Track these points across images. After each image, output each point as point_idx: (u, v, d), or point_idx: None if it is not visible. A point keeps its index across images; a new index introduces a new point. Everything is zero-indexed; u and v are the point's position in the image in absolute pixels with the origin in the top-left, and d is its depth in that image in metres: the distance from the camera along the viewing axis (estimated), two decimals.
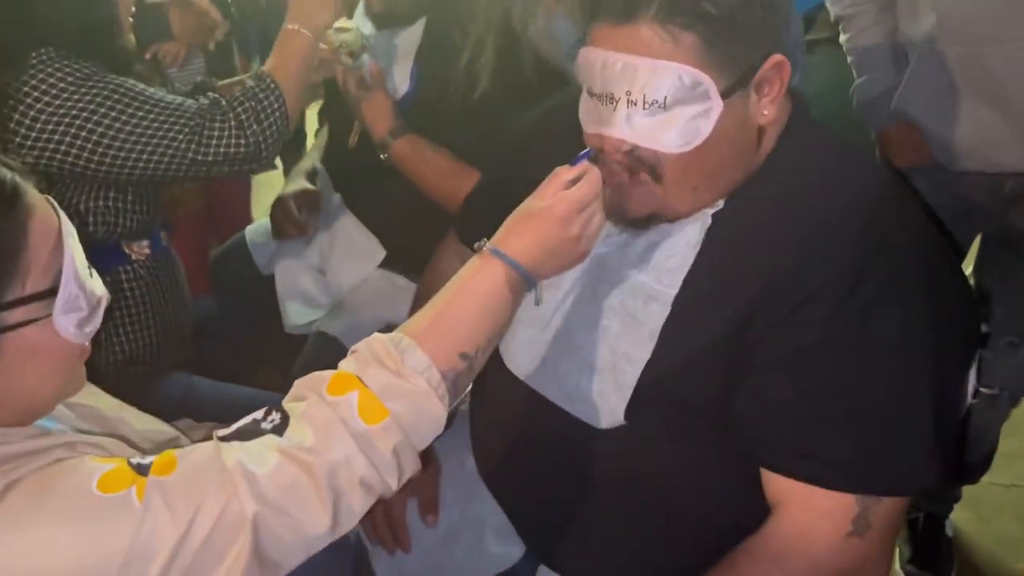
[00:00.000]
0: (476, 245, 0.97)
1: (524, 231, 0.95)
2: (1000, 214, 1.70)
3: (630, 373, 1.02)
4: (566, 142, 1.17)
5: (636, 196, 1.02)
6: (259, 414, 0.84)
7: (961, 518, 2.04)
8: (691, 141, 0.96)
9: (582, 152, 1.01)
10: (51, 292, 0.80)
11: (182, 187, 1.94)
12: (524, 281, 0.94)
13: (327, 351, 1.66)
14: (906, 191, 1.08)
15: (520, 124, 1.33)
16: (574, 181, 0.98)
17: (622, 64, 0.95)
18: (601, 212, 0.98)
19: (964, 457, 1.80)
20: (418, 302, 1.42)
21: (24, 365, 0.80)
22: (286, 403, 0.86)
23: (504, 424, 1.18)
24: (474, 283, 0.93)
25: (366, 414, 0.83)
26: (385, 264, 1.78)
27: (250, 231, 2.04)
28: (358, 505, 0.83)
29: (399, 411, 0.84)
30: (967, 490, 1.99)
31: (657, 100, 0.95)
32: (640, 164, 1.00)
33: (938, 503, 1.98)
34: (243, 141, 1.40)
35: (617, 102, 0.97)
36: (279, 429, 0.82)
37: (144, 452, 0.92)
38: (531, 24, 1.60)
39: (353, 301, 1.76)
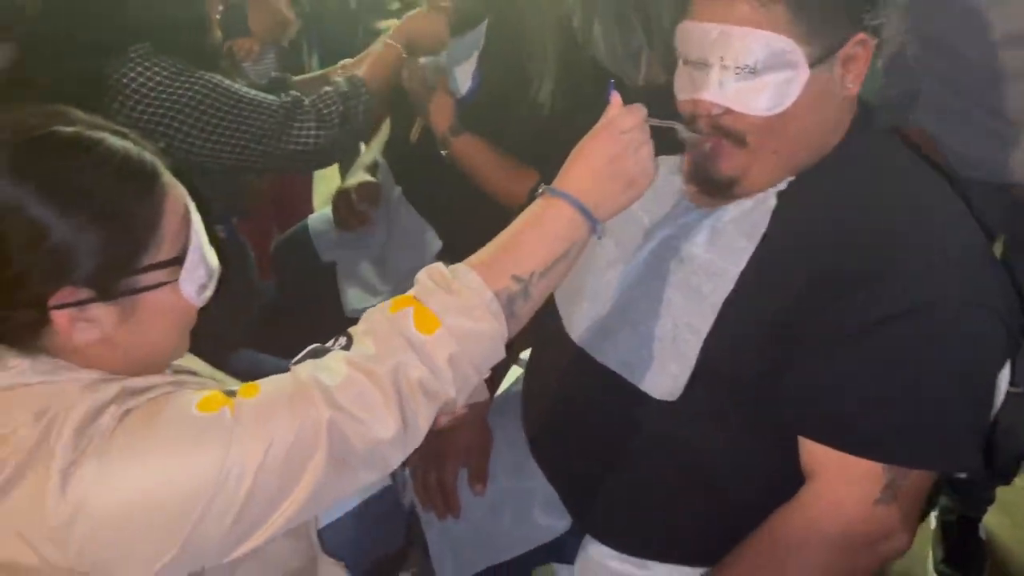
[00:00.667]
0: (537, 192, 1.03)
1: (576, 165, 1.00)
2: (1011, 221, 1.73)
3: (692, 343, 1.09)
4: None
5: (722, 159, 1.09)
6: (329, 341, 0.93)
7: (994, 521, 2.07)
8: (778, 105, 1.03)
9: (608, 87, 1.05)
10: (179, 260, 0.91)
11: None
12: (581, 214, 0.98)
13: None
14: (949, 183, 1.13)
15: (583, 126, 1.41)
16: None
17: (717, 32, 1.04)
18: (649, 143, 1.01)
19: (995, 457, 1.84)
20: None
21: (152, 322, 0.90)
22: (352, 329, 0.94)
23: (558, 397, 1.26)
24: (530, 218, 0.99)
25: (421, 326, 0.90)
26: (441, 254, 1.87)
27: (312, 220, 2.14)
28: (423, 410, 0.90)
29: (452, 324, 0.90)
30: (1001, 493, 2.02)
31: (748, 65, 1.02)
32: (727, 131, 1.07)
33: (972, 506, 2.02)
34: (322, 136, 1.50)
35: (711, 68, 1.05)
36: (346, 348, 0.90)
37: None
38: (588, 32, 1.68)
39: (409, 287, 1.85)
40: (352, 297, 1.93)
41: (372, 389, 0.87)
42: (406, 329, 0.90)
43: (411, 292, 0.94)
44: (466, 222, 1.83)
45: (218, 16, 1.61)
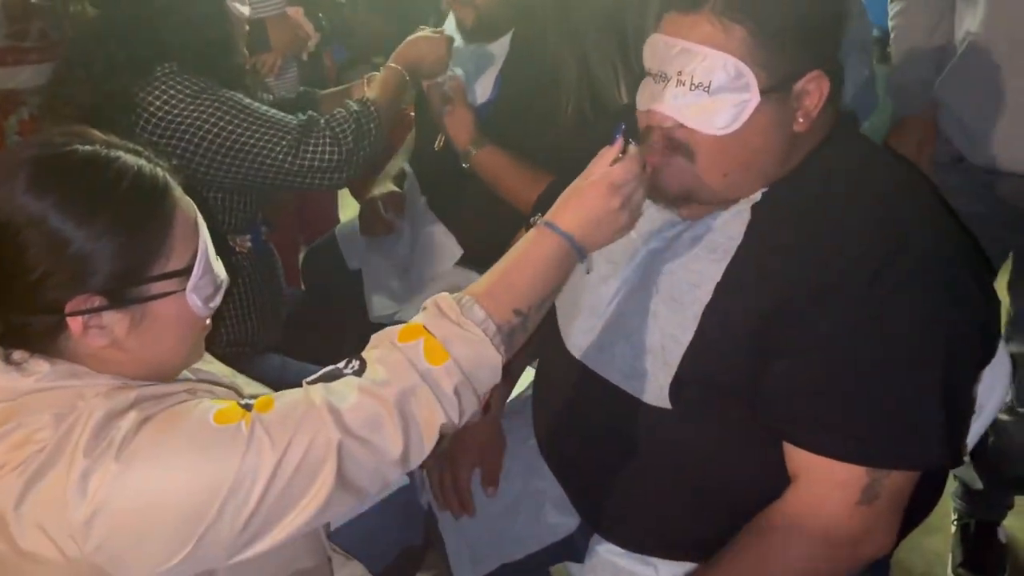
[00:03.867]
0: (532, 220, 1.09)
1: (573, 206, 1.06)
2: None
3: (675, 352, 1.13)
4: None
5: (673, 174, 1.12)
6: (341, 363, 0.98)
7: (1015, 525, 2.08)
8: (727, 126, 1.07)
9: (616, 128, 1.11)
10: (187, 271, 0.97)
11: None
12: (574, 250, 1.06)
13: None
14: (929, 191, 1.16)
15: (593, 131, 1.46)
16: (616, 161, 1.09)
17: (679, 48, 1.08)
18: (642, 188, 1.08)
19: (1008, 469, 1.86)
20: None
21: (161, 330, 0.96)
22: (364, 352, 1.00)
23: (564, 403, 1.31)
24: (529, 251, 1.05)
25: (431, 357, 0.96)
26: (462, 262, 1.92)
27: (340, 229, 2.22)
28: (427, 434, 0.96)
29: (459, 356, 0.97)
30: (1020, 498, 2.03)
31: (703, 83, 1.06)
32: (677, 145, 1.11)
33: (991, 510, 2.03)
34: (336, 155, 1.56)
35: (668, 81, 1.09)
36: (358, 373, 0.96)
37: None
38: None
39: (430, 292, 1.90)
40: (377, 304, 1.99)
41: (380, 414, 0.93)
42: (416, 359, 0.96)
43: (421, 321, 1.00)
44: (484, 230, 1.90)
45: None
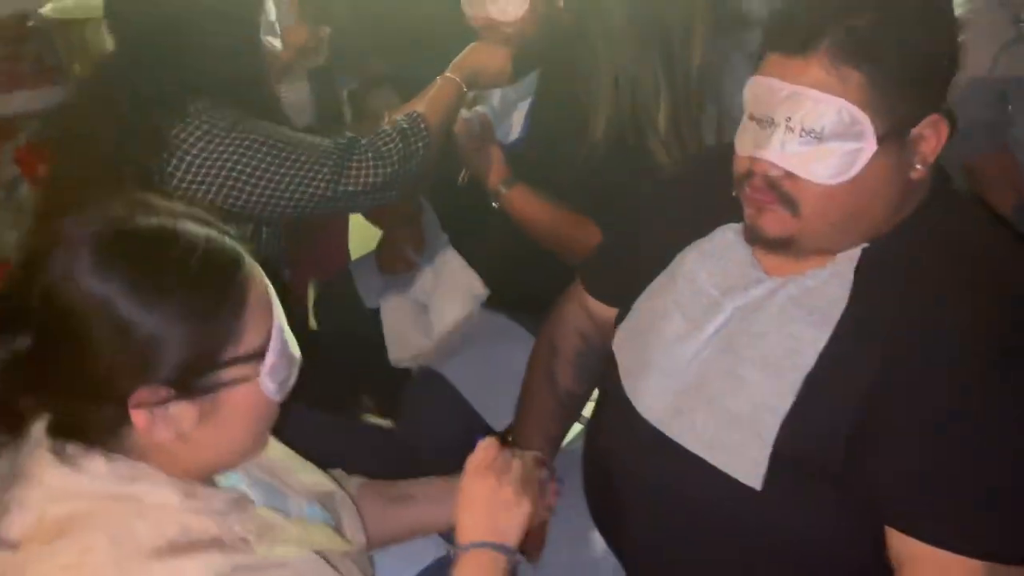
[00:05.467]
0: (450, 554, 1.10)
1: (461, 518, 1.07)
2: None
3: (770, 424, 1.05)
4: (693, 211, 1.23)
5: (775, 220, 1.05)
6: None
7: None
8: (839, 176, 1.00)
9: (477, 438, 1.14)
10: (260, 354, 0.87)
11: None
12: (492, 550, 1.04)
13: (432, 386, 1.73)
14: None
15: (648, 186, 1.39)
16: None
17: (788, 92, 1.00)
18: (510, 465, 1.09)
19: None
20: (540, 349, 1.47)
21: (232, 420, 0.87)
22: None
23: (626, 468, 1.21)
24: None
25: None
26: (488, 303, 1.84)
27: (355, 265, 2.12)
28: None
29: None
30: None
31: (815, 130, 0.99)
32: (783, 193, 1.03)
33: None
34: (379, 178, 1.48)
35: (775, 127, 1.02)
36: None
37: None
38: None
39: (456, 338, 1.82)
40: (398, 347, 1.90)
41: None
42: None
43: None
44: (512, 271, 1.83)
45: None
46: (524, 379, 1.47)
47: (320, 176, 1.45)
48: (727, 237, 1.18)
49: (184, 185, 1.41)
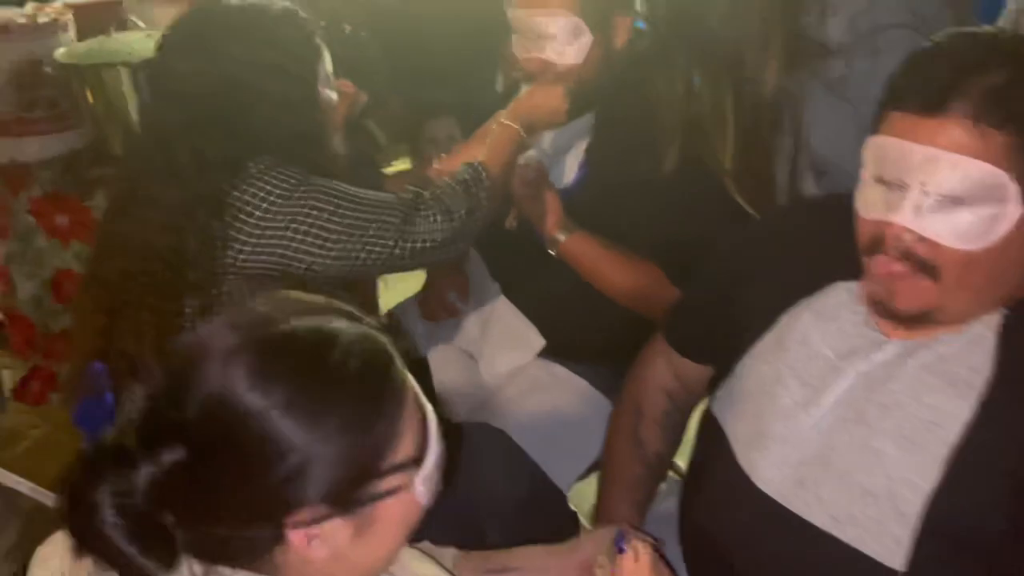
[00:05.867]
0: None
1: None
2: None
3: (913, 501, 0.99)
4: (798, 267, 1.17)
5: (909, 291, 1.00)
6: None
7: None
8: (981, 240, 0.95)
9: (618, 538, 1.07)
10: (416, 459, 0.81)
11: None
12: None
13: (492, 443, 1.65)
14: None
15: (741, 240, 1.33)
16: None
17: (922, 155, 0.95)
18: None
19: None
20: (623, 413, 1.41)
21: (385, 532, 0.82)
22: None
23: (741, 541, 1.15)
24: None
25: None
26: (544, 353, 1.77)
27: (396, 312, 2.05)
28: None
29: None
30: None
31: (953, 194, 0.94)
32: (917, 261, 0.98)
33: None
34: (447, 233, 1.42)
35: (908, 190, 0.97)
36: None
37: None
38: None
39: (511, 392, 1.75)
40: (448, 400, 1.83)
41: None
42: None
43: None
44: (571, 319, 1.76)
45: None
46: (607, 445, 1.41)
47: (388, 233, 1.38)
48: (840, 296, 1.12)
49: (248, 248, 1.34)
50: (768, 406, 1.13)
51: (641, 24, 1.70)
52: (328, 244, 1.35)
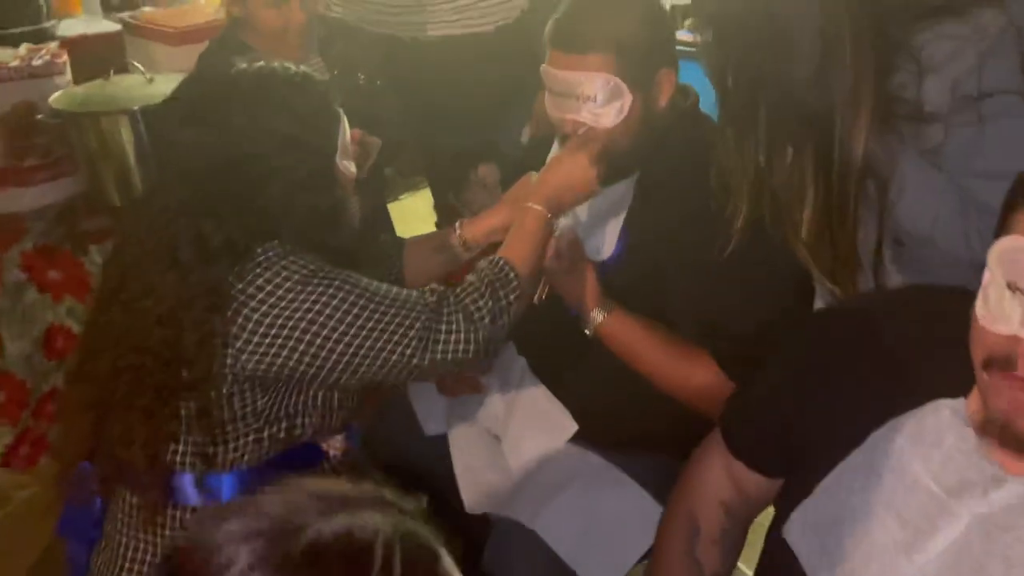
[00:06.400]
0: None
1: None
2: None
3: None
4: (890, 374, 1.02)
5: None
6: None
7: None
8: None
9: None
10: None
11: None
12: None
13: (521, 544, 1.50)
14: None
15: (816, 332, 1.17)
16: None
17: None
18: None
19: None
20: (676, 529, 1.25)
21: None
22: None
23: None
24: None
25: None
26: (577, 439, 1.62)
27: (413, 386, 1.89)
28: None
29: None
30: None
31: None
32: None
33: None
34: (471, 344, 1.25)
35: None
36: None
37: None
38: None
39: (541, 480, 1.59)
40: (472, 489, 1.67)
41: None
42: None
43: None
44: (608, 402, 1.60)
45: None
46: (657, 564, 1.25)
47: (408, 340, 1.23)
48: (943, 417, 0.97)
49: (251, 346, 1.18)
50: (859, 544, 0.97)
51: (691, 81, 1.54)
52: (340, 347, 1.20)
